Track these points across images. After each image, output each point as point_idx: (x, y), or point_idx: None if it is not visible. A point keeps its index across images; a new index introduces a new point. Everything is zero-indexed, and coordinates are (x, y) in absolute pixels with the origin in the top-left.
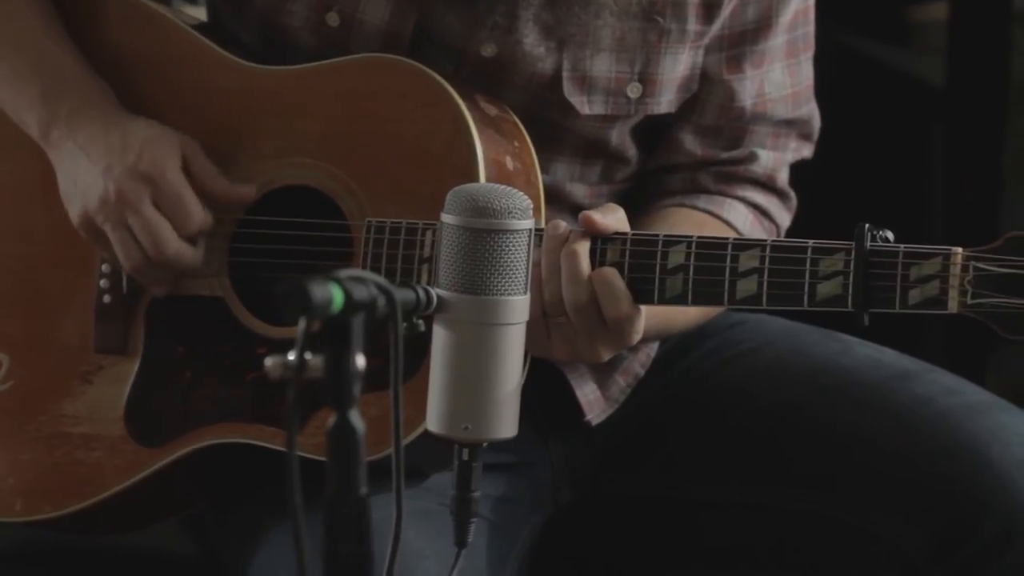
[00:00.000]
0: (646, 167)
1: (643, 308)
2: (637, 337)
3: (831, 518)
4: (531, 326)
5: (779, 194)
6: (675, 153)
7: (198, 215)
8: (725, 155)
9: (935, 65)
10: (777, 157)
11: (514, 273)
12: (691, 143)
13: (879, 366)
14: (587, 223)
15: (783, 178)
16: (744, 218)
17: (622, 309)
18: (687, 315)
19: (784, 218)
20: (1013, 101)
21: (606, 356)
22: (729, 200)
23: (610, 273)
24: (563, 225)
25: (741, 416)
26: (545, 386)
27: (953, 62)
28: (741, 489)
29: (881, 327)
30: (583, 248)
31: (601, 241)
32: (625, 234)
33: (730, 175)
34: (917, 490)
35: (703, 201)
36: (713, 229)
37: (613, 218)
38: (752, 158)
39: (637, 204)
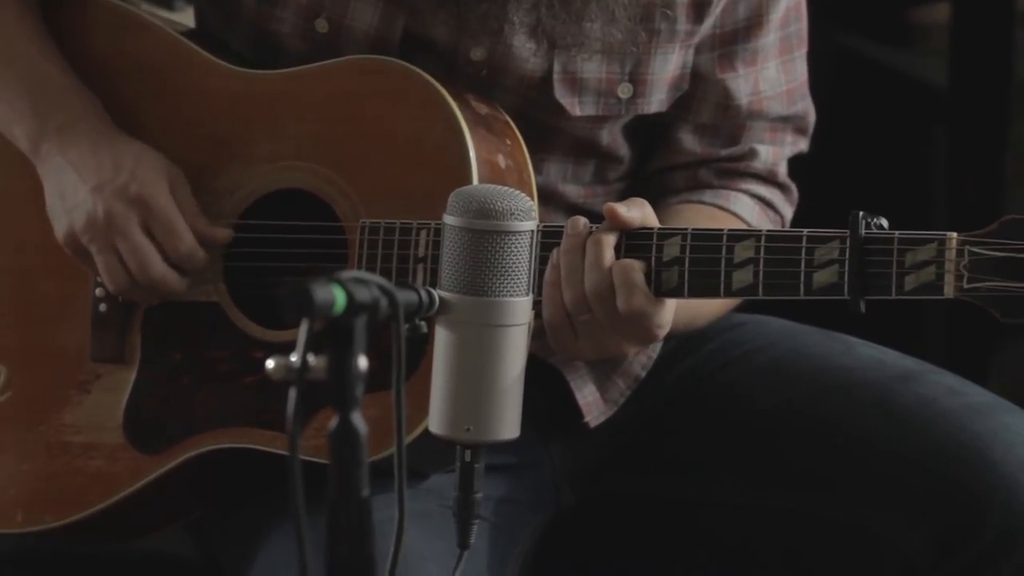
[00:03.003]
0: (647, 169)
1: (671, 303)
2: (662, 332)
3: (833, 519)
4: (558, 331)
5: (780, 187)
6: (675, 153)
7: (188, 242)
8: (725, 152)
9: (937, 67)
10: (776, 152)
11: (516, 274)
12: (690, 142)
13: (881, 367)
14: (611, 215)
15: (783, 171)
16: (751, 209)
17: (634, 303)
18: (712, 307)
19: (787, 210)
20: (1015, 102)
21: (632, 351)
22: (734, 193)
23: (630, 265)
24: (583, 221)
25: (742, 417)
26: (546, 388)
27: (955, 64)
28: (742, 490)
29: (882, 327)
30: (608, 238)
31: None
32: (650, 229)
33: (731, 171)
34: (919, 491)
35: (709, 196)
36: (725, 221)
37: (639, 212)
38: (752, 154)
39: None
